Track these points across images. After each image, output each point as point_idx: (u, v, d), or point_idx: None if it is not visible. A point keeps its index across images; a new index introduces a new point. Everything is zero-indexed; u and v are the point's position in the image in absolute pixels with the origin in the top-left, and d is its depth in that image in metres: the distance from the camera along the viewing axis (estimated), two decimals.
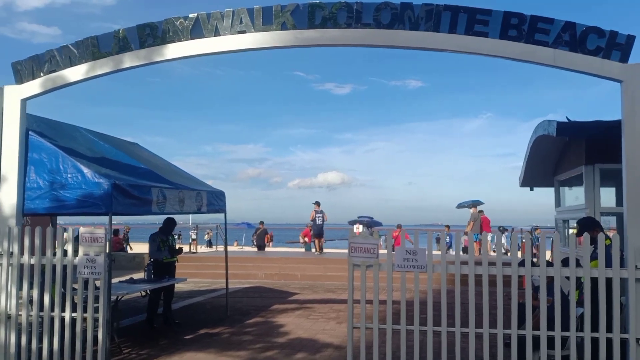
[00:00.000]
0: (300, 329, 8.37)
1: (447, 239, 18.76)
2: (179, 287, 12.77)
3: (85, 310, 5.90)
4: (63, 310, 5.95)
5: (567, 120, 7.45)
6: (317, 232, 19.09)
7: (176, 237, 26.77)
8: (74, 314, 5.93)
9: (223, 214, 9.78)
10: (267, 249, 24.87)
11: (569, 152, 8.75)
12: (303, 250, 23.15)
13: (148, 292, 8.21)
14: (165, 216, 8.86)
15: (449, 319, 5.20)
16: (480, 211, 21.01)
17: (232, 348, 7.11)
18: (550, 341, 5.02)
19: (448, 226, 23.25)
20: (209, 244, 36.72)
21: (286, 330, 8.29)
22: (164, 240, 8.62)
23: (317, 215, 18.80)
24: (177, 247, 8.97)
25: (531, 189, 11.13)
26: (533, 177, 10.28)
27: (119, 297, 7.45)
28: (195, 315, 9.71)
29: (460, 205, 23.69)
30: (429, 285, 5.24)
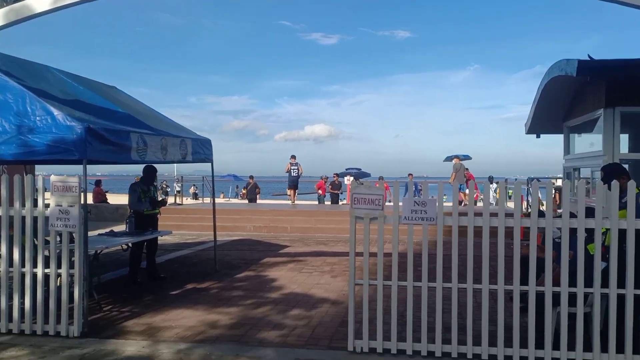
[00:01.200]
0: (293, 283, 7.96)
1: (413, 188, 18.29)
2: (164, 239, 12.30)
3: (59, 266, 5.38)
4: (35, 266, 5.42)
5: (589, 59, 6.85)
6: (292, 184, 20.10)
7: (163, 187, 26.08)
8: (47, 270, 5.40)
9: (210, 164, 9.17)
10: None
11: (584, 95, 8.18)
12: (317, 202, 22.83)
13: (129, 245, 7.69)
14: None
15: (461, 275, 4.77)
16: (466, 169, 20.72)
17: (222, 304, 6.68)
18: (571, 298, 4.62)
19: (411, 174, 22.57)
20: (195, 196, 36.25)
21: (279, 284, 7.88)
22: (145, 191, 8.03)
23: (292, 167, 19.94)
24: (159, 199, 8.39)
25: (537, 136, 10.62)
26: (541, 123, 9.74)
27: (99, 251, 6.92)
28: (182, 269, 9.26)
29: (447, 159, 23.43)
30: (439, 239, 4.78)
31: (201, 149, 8.71)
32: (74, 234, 5.38)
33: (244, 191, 35.09)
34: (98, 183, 20.52)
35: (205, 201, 22.73)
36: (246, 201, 24.86)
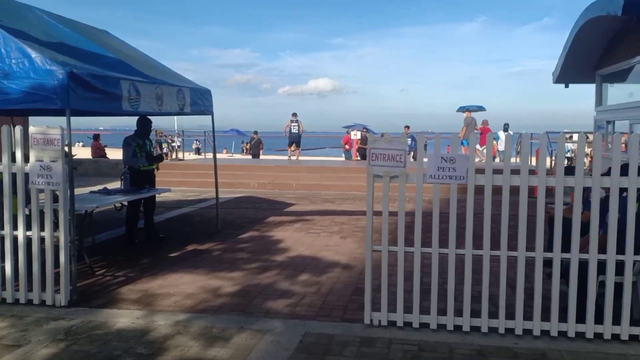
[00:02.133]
0: (300, 244, 7.44)
1: (410, 142, 17.48)
2: (164, 197, 11.77)
3: (43, 228, 4.83)
4: (16, 227, 4.88)
5: None
6: (293, 139, 19.97)
7: (169, 141, 25.33)
8: (29, 233, 4.86)
9: (210, 116, 8.50)
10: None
11: (622, 39, 7.38)
12: (343, 158, 22.34)
13: (124, 204, 7.14)
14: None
15: (493, 241, 4.21)
16: (484, 121, 19.79)
17: (224, 268, 6.17)
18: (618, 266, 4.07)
19: (407, 127, 21.68)
20: (197, 151, 35.67)
21: (285, 246, 7.37)
22: (140, 145, 7.41)
23: (292, 124, 19.78)
24: (156, 153, 7.76)
25: (566, 86, 9.85)
26: (571, 71, 8.94)
27: (90, 211, 6.37)
28: (182, 228, 8.75)
29: (460, 109, 22.33)
30: (468, 202, 4.19)
31: (200, 100, 8.04)
32: (57, 192, 4.81)
33: (247, 146, 34.65)
34: (96, 137, 19.89)
35: (207, 156, 22.21)
36: (249, 157, 24.56)
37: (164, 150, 22.42)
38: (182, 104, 7.43)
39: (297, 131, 19.87)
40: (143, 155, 7.40)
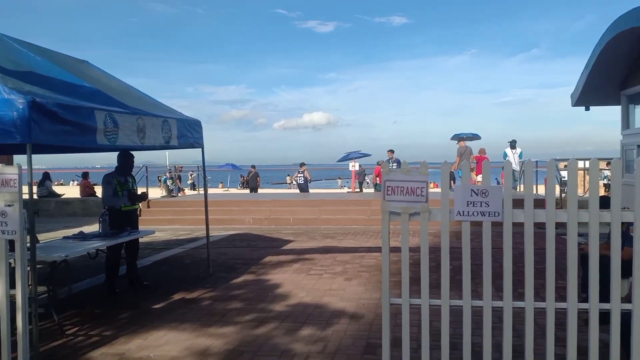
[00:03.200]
0: (300, 289, 6.67)
1: (395, 167, 16.68)
2: (153, 237, 10.98)
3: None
4: None
5: None
6: (302, 190, 20.57)
7: (172, 179, 25.10)
8: None
9: (200, 149, 7.83)
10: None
11: None
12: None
13: (101, 250, 6.35)
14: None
15: (538, 289, 3.48)
16: (481, 149, 19.01)
17: (215, 322, 5.38)
18: None
19: (392, 150, 20.49)
20: (193, 186, 34.95)
21: (283, 292, 6.59)
22: (121, 183, 6.70)
23: (298, 175, 20.79)
24: (139, 192, 7.03)
25: (587, 109, 9.23)
26: (593, 93, 8.33)
27: (59, 261, 5.57)
28: (171, 273, 7.96)
29: (455, 137, 21.46)
30: (505, 244, 3.47)
31: (189, 132, 7.38)
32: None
33: (245, 179, 34.54)
34: (85, 175, 19.15)
35: (202, 192, 21.63)
36: (246, 191, 24.51)
37: (174, 187, 22.22)
38: (167, 137, 6.76)
39: (303, 181, 20.67)
40: (125, 193, 6.69)
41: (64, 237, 6.36)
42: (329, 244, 10.30)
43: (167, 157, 20.55)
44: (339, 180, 21.48)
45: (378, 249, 9.40)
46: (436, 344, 3.62)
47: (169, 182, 22.41)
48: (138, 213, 7.04)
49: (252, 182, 24.90)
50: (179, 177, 23.07)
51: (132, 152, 6.89)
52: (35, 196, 18.28)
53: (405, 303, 3.62)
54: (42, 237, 11.39)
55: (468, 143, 18.61)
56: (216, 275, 7.62)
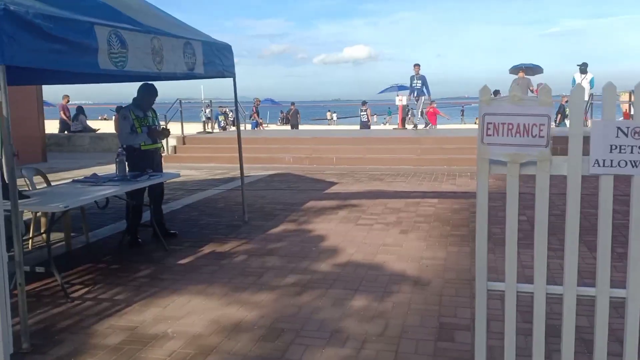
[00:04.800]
0: (349, 243, 5.69)
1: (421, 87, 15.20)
2: (186, 176, 10.23)
3: None
4: None
5: None
6: (363, 127, 21.41)
7: (225, 111, 25.02)
8: None
9: (232, 79, 6.74)
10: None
11: None
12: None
13: (120, 197, 5.45)
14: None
15: None
16: (541, 85, 17.09)
17: (249, 285, 4.48)
18: None
19: (418, 65, 18.46)
20: (233, 123, 34.19)
21: (329, 246, 5.63)
22: (140, 118, 5.73)
23: (361, 113, 21.80)
24: (161, 128, 6.03)
25: None
26: None
27: (60, 213, 4.68)
28: (202, 219, 7.09)
29: (513, 69, 19.44)
30: None
31: (217, 58, 6.27)
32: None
33: (284, 115, 34.47)
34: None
35: (246, 127, 20.98)
36: (286, 127, 25.14)
37: (221, 123, 22.53)
38: (191, 63, 5.69)
39: (366, 119, 21.44)
40: (144, 130, 5.73)
41: (73, 180, 5.49)
42: (377, 187, 9.24)
43: (202, 91, 19.52)
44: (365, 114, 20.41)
45: (435, 194, 8.29)
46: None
47: (220, 119, 22.68)
48: (161, 152, 6.09)
49: (292, 119, 25.25)
50: (257, 112, 22.96)
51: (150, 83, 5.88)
52: (67, 132, 17.77)
53: (511, 289, 2.54)
54: (71, 174, 10.76)
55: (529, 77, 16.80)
56: (253, 222, 6.73)
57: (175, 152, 13.81)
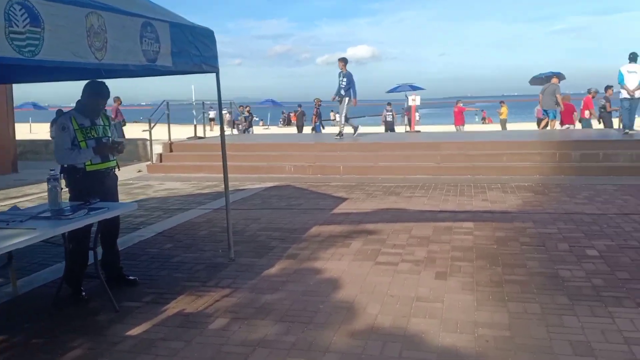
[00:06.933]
0: (370, 296, 4.15)
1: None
2: (167, 191, 8.75)
3: None
4: None
5: None
6: (389, 128, 21.92)
7: (246, 113, 24.95)
8: None
9: (214, 74, 5.22)
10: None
11: None
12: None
13: (47, 242, 3.89)
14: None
15: None
16: (566, 96, 15.69)
17: None
18: None
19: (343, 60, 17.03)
20: (233, 124, 32.73)
21: (342, 300, 4.09)
22: (85, 128, 4.21)
23: (387, 113, 22.27)
24: (112, 141, 4.44)
25: None
26: None
27: None
28: (176, 254, 5.56)
29: (535, 79, 18.35)
30: None
31: (192, 47, 4.71)
32: None
33: (286, 115, 34.44)
34: (116, 100, 16.58)
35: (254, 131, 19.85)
36: (287, 129, 24.69)
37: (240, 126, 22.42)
38: (153, 51, 4.16)
39: (391, 119, 22.13)
40: (90, 144, 4.20)
41: None
42: (395, 205, 7.70)
43: (192, 92, 17.87)
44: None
45: (468, 216, 6.76)
46: None
47: (240, 119, 22.96)
48: (115, 172, 4.54)
49: (299, 120, 25.75)
50: (319, 114, 22.85)
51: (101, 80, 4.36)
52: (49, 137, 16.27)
53: None
54: (39, 188, 9.27)
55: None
56: (240, 260, 5.21)
57: (160, 161, 12.29)
